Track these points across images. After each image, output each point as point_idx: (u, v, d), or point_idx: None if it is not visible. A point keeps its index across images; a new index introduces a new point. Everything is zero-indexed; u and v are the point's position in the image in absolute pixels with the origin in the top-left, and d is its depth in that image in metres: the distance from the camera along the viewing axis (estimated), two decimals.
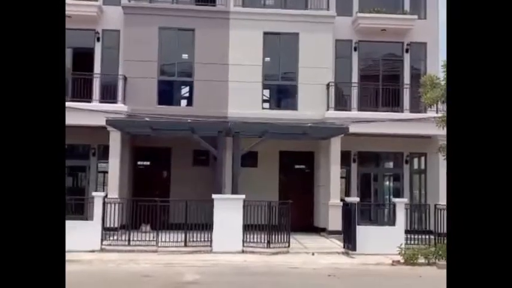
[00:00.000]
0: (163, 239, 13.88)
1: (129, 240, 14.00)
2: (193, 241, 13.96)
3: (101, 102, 17.52)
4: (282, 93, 19.16)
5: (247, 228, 14.14)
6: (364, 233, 14.10)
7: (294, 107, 18.32)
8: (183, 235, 13.93)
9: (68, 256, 13.16)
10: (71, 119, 15.06)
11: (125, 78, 17.37)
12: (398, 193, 19.23)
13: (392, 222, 15.10)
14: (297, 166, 19.86)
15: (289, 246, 14.19)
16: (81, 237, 13.34)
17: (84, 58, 18.26)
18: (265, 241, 14.10)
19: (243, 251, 13.86)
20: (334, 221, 16.72)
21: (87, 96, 17.47)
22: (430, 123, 15.24)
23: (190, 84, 18.22)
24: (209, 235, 13.98)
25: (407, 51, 19.33)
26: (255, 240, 14.05)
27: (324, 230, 17.73)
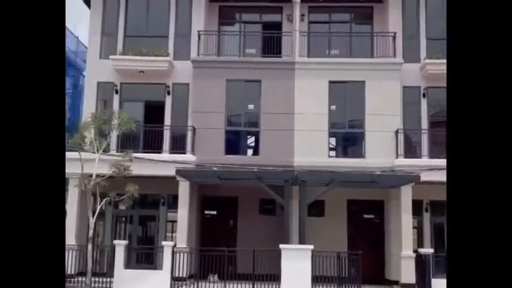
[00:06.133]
0: None
1: None
2: None
3: (171, 153, 17.98)
4: (349, 141, 18.93)
5: (316, 279, 13.77)
6: (440, 286, 13.37)
7: (361, 154, 18.03)
8: (251, 285, 13.75)
9: None
10: (142, 170, 15.88)
11: (194, 130, 17.85)
12: None
13: None
14: (365, 216, 19.32)
15: None
16: (151, 286, 13.50)
17: (155, 111, 19.00)
18: None
19: None
20: (407, 273, 15.97)
21: (157, 148, 18.03)
22: None
23: (257, 134, 18.42)
24: (277, 286, 13.72)
25: None
26: None
27: (396, 282, 16.94)
